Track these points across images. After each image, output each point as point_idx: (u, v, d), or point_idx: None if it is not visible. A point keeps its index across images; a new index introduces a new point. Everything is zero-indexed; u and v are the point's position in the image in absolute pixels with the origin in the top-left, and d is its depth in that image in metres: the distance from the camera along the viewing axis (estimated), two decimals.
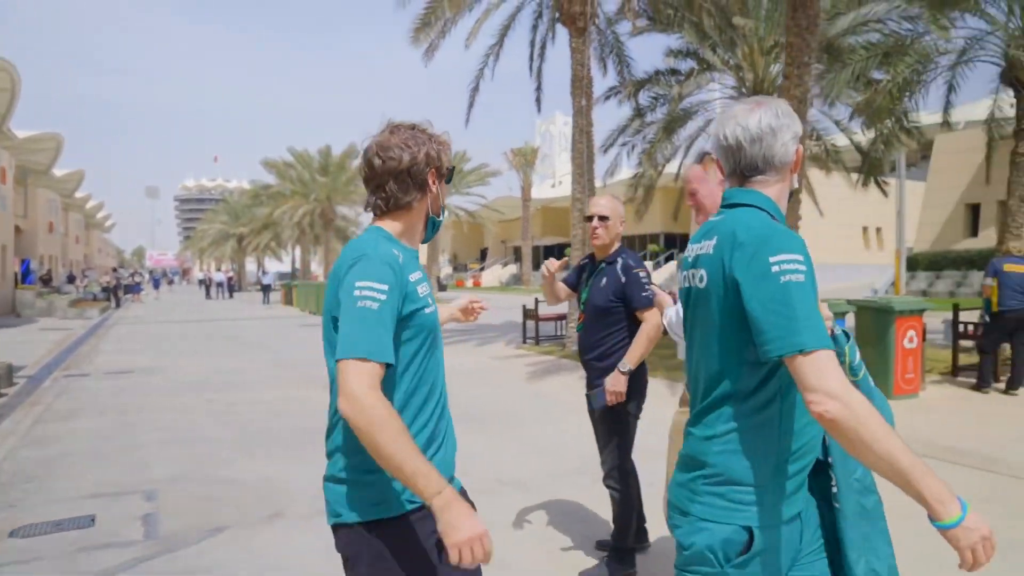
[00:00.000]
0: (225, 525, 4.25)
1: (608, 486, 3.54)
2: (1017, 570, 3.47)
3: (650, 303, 3.41)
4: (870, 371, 6.15)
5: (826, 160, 16.64)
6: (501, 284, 50.45)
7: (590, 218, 3.59)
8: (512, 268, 52.90)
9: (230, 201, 66.45)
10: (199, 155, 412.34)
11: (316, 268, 48.72)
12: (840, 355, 1.64)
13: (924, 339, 8.34)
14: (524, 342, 14.06)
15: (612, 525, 3.62)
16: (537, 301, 14.01)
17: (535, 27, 15.28)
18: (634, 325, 3.47)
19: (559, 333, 14.14)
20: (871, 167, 14.92)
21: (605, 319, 3.54)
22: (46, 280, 31.25)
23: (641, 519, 3.69)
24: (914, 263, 28.63)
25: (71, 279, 39.22)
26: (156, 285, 56.60)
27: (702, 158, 3.00)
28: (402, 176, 1.76)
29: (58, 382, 9.97)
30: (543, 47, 15.44)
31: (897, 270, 27.24)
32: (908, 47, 11.58)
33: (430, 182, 1.80)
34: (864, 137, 15.62)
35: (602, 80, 15.92)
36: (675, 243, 41.59)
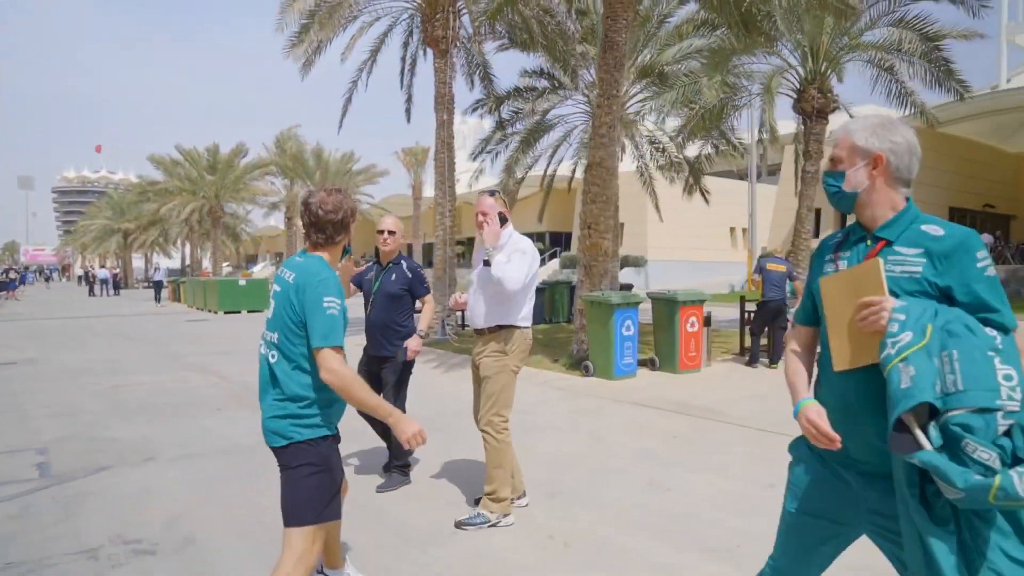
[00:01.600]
0: (107, 465, 5.48)
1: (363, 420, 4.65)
2: (695, 480, 5.20)
3: (428, 292, 5.13)
4: (662, 352, 8.94)
5: (670, 169, 18.78)
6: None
7: (382, 232, 5.02)
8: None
9: (115, 195, 64.29)
10: (80, 145, 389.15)
11: (206, 264, 48.21)
12: None
13: (707, 325, 10.31)
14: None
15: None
16: None
17: (406, 44, 16.66)
18: (414, 308, 5.03)
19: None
20: (695, 178, 17.11)
21: (396, 303, 4.95)
22: None
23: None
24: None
25: None
26: (23, 281, 53.74)
27: (493, 193, 4.50)
28: (338, 225, 2.79)
29: None
30: (414, 63, 16.84)
31: (749, 267, 30.24)
32: (720, 77, 13.68)
33: (350, 228, 2.86)
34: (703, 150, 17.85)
35: (469, 94, 17.42)
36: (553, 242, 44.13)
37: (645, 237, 39.49)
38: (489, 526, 4.11)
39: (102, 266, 51.40)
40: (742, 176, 47.23)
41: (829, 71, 13.75)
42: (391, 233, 4.97)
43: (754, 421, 6.81)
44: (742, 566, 3.55)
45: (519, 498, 4.49)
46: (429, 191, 49.27)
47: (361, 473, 5.24)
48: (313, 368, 2.62)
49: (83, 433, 6.58)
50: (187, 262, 54.69)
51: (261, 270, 62.09)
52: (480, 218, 4.24)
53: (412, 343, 4.92)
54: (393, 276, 4.97)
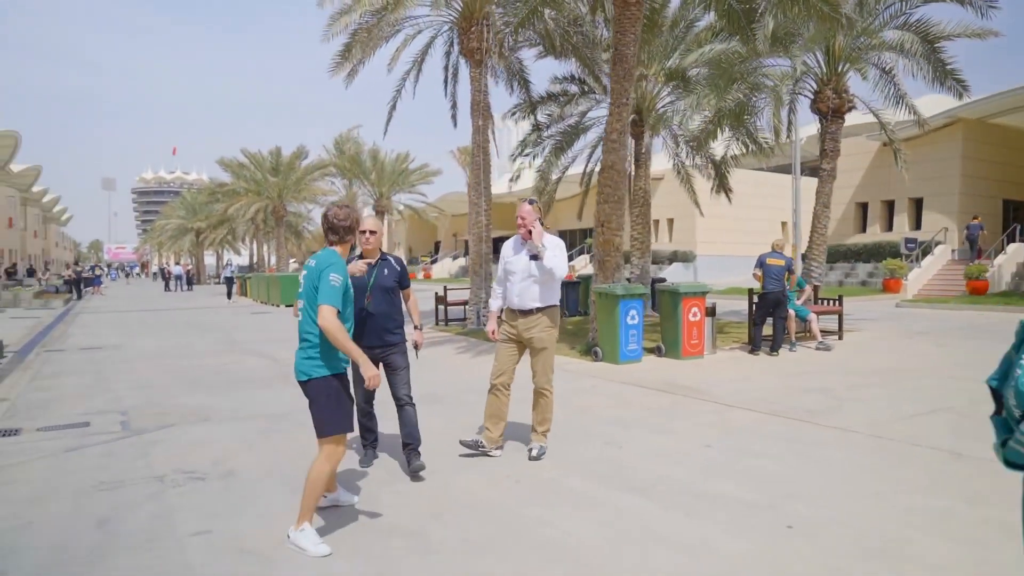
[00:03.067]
0: (172, 423, 6.77)
1: (403, 404, 5.20)
2: (673, 447, 6.17)
3: (410, 284, 5.67)
4: (667, 340, 10.35)
5: (706, 167, 19.41)
6: (451, 276, 52.87)
7: (363, 231, 5.14)
8: (462, 261, 55.30)
9: (188, 196, 67.82)
10: (157, 147, 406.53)
11: (272, 261, 50.66)
12: None
13: (711, 315, 11.13)
14: (436, 323, 16.67)
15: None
16: (446, 289, 16.64)
17: (448, 54, 17.79)
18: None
19: (463, 316, 16.78)
20: (721, 177, 17.77)
21: (391, 295, 5.24)
22: (11, 273, 32.93)
23: None
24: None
25: (31, 272, 40.76)
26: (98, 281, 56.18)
27: (532, 202, 5.57)
28: (346, 229, 4.06)
29: (40, 356, 12.29)
30: (456, 71, 17.96)
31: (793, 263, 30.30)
32: (738, 80, 14.38)
33: (357, 233, 4.22)
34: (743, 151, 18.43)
35: (509, 98, 18.43)
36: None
37: (694, 232, 39.83)
38: (543, 453, 5.50)
39: (176, 263, 54.53)
40: (786, 170, 46.99)
41: (847, 70, 14.28)
42: (372, 233, 5.20)
43: (726, 398, 7.68)
44: (652, 498, 4.52)
45: (497, 448, 5.56)
46: (496, 187, 50.61)
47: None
48: None
49: (155, 400, 7.93)
50: (254, 259, 57.48)
51: None
52: (520, 222, 5.39)
53: (418, 337, 5.28)
54: (386, 271, 5.27)
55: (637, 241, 18.25)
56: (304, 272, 3.97)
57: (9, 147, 35.67)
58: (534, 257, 5.39)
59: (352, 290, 4.08)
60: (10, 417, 7.17)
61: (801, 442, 5.82)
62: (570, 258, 41.86)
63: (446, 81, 18.14)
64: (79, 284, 36.16)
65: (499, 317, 5.78)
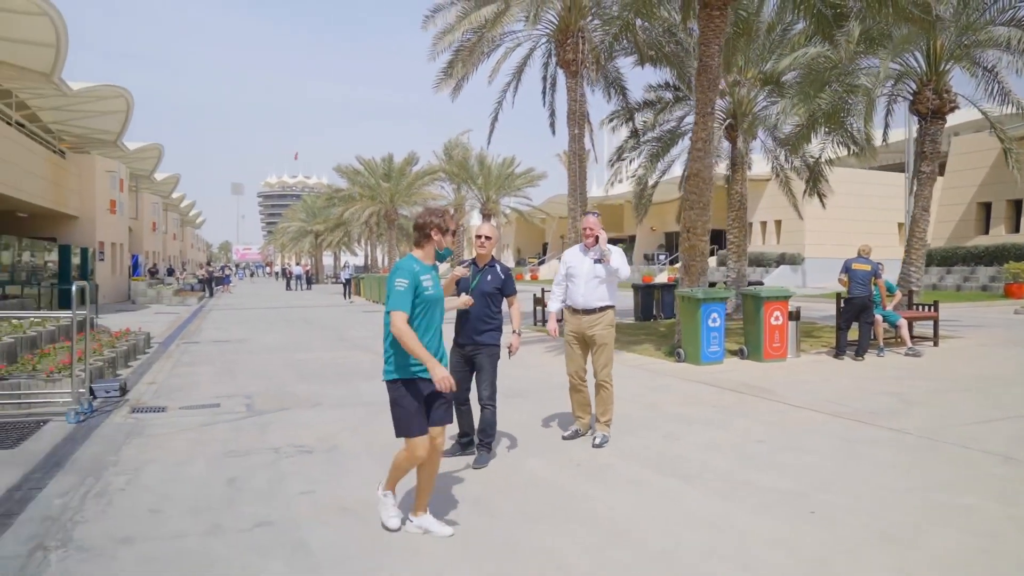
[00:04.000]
0: (288, 407, 7.80)
1: (484, 405, 5.73)
2: (710, 441, 6.67)
3: (516, 291, 6.16)
4: (750, 342, 11.21)
5: (804, 170, 19.23)
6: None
7: (479, 236, 5.70)
8: None
9: (308, 200, 71.88)
10: (281, 152, 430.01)
11: (383, 262, 53.05)
12: None
13: (795, 319, 11.27)
14: (534, 323, 17.40)
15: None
16: (543, 291, 17.36)
17: (546, 65, 18.54)
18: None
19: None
20: (814, 180, 17.58)
21: (490, 300, 5.63)
22: (153, 273, 36.28)
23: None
24: (928, 258, 30.31)
25: (171, 272, 44.60)
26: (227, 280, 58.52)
27: (596, 214, 6.32)
28: (423, 230, 4.08)
29: (179, 347, 13.90)
30: (553, 81, 18.69)
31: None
32: (832, 82, 14.29)
33: (432, 235, 4.08)
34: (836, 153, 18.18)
35: (607, 105, 18.89)
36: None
37: (802, 234, 38.82)
38: (606, 442, 6.10)
39: (297, 263, 57.98)
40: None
41: (950, 69, 13.89)
42: (487, 239, 5.71)
43: (794, 399, 7.98)
44: (693, 483, 5.04)
45: (590, 432, 6.34)
46: (595, 190, 51.19)
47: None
48: None
49: (274, 388, 9.05)
50: (368, 261, 60.35)
51: None
52: (588, 231, 6.14)
53: (515, 341, 5.75)
54: (489, 277, 5.69)
55: (733, 245, 18.36)
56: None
57: (154, 158, 39.18)
58: (598, 261, 6.04)
59: (433, 293, 3.99)
60: (157, 398, 8.44)
61: (851, 441, 6.14)
62: (673, 261, 41.71)
63: (544, 91, 18.93)
64: (211, 283, 39.32)
65: (558, 319, 6.44)
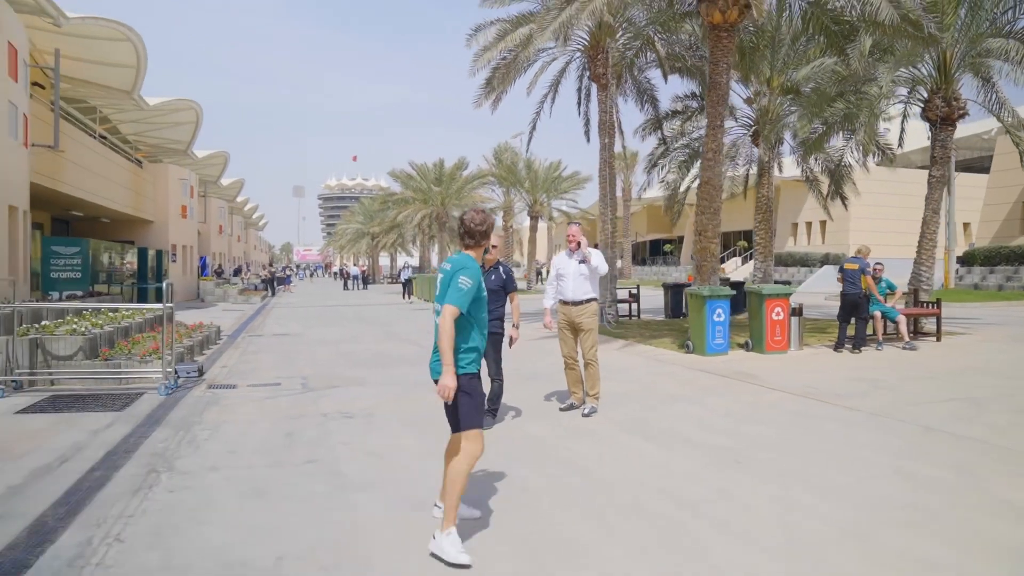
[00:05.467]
0: (337, 386, 9.25)
1: (493, 379, 7.51)
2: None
3: (516, 288, 7.72)
4: (754, 336, 13.02)
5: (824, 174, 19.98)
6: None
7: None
8: (616, 263, 56.87)
9: (365, 202, 74.40)
10: (340, 155, 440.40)
11: (435, 262, 54.89)
12: None
13: (797, 314, 12.24)
14: None
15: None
16: None
17: (580, 77, 19.74)
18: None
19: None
20: (836, 184, 18.32)
21: (493, 296, 6.64)
22: (219, 273, 38.72)
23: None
24: (972, 258, 30.39)
25: (237, 272, 47.25)
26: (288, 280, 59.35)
27: (578, 224, 7.62)
28: (481, 234, 4.07)
29: (246, 339, 15.60)
30: (587, 92, 19.87)
31: (946, 265, 29.36)
32: (847, 92, 15.12)
33: (490, 238, 4.37)
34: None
35: (639, 115, 20.01)
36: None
37: (847, 234, 38.99)
38: (594, 412, 7.31)
39: (354, 264, 60.30)
40: (968, 167, 44.33)
41: (960, 77, 14.58)
42: (494, 246, 6.97)
43: (774, 383, 9.05)
44: (652, 441, 6.25)
45: (582, 405, 7.54)
46: (635, 193, 52.08)
47: None
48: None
49: (326, 371, 10.54)
50: (421, 262, 62.38)
51: None
52: (571, 238, 7.42)
53: (514, 334, 6.95)
54: (492, 276, 6.88)
55: (759, 245, 19.23)
56: (440, 275, 4.01)
57: (220, 165, 41.72)
58: (582, 261, 7.28)
59: (486, 293, 4.07)
60: (229, 377, 10.00)
61: (805, 416, 7.23)
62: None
63: (579, 102, 20.12)
64: (273, 283, 41.65)
65: (551, 312, 7.67)
